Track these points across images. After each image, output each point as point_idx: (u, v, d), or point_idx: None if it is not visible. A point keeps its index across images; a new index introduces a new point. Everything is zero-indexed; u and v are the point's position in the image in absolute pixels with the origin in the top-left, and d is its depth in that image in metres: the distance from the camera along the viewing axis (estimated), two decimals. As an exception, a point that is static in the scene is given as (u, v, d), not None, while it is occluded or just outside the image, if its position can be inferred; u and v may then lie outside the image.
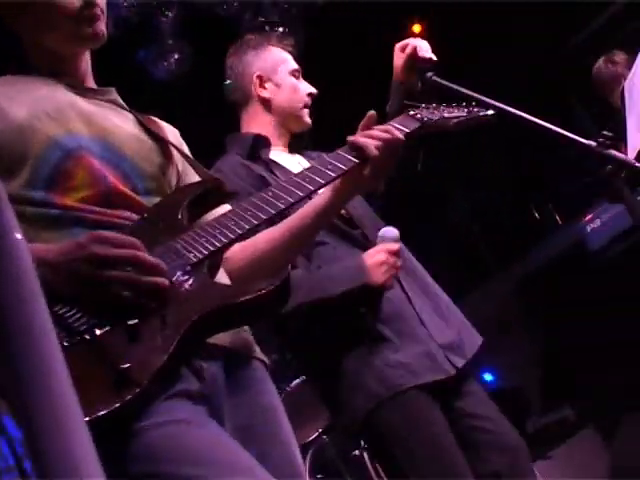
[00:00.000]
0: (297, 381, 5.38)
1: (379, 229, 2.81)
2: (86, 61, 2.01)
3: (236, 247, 1.90)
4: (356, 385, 2.56)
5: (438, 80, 2.55)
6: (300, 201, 1.83)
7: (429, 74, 2.57)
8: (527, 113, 2.34)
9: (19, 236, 1.04)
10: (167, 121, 2.47)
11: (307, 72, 3.08)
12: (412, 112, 2.25)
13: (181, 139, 2.15)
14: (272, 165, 2.80)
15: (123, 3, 5.56)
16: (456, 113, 2.39)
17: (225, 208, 1.88)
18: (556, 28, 7.24)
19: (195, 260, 1.62)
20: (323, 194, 1.99)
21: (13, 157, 1.73)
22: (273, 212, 1.76)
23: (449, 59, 6.61)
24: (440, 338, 2.64)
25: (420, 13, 7.22)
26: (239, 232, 1.70)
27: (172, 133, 2.12)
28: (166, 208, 1.78)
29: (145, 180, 1.86)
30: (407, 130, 2.12)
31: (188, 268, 1.61)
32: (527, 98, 7.36)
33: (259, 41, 3.03)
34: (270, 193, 1.80)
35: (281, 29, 5.95)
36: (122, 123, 1.94)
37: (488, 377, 7.70)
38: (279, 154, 2.90)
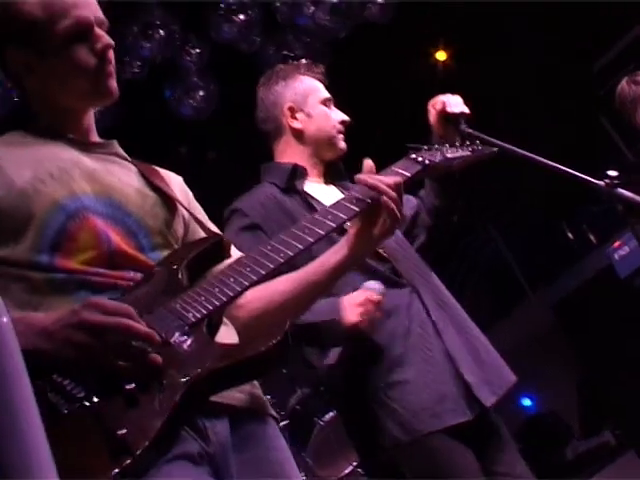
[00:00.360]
0: (331, 414, 5.37)
1: (414, 264, 2.81)
2: (90, 116, 2.03)
3: (250, 295, 1.89)
4: (376, 429, 2.55)
5: (471, 132, 2.60)
6: (300, 254, 1.81)
7: (462, 126, 2.63)
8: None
9: (5, 319, 1.09)
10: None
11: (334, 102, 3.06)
12: (414, 155, 2.22)
13: (186, 187, 2.16)
14: (307, 197, 2.80)
15: (146, 44, 5.64)
16: (459, 153, 2.37)
17: (227, 263, 1.89)
18: (586, 46, 7.20)
19: (194, 320, 1.62)
20: (337, 249, 1.98)
21: (18, 221, 1.75)
22: (272, 267, 1.75)
23: (476, 85, 6.62)
24: (470, 375, 2.61)
25: (445, 40, 7.22)
26: (238, 289, 1.70)
27: (176, 182, 2.13)
28: (166, 268, 1.78)
29: (150, 235, 1.87)
30: (408, 175, 2.09)
31: (187, 329, 1.61)
32: (557, 120, 7.35)
33: (289, 71, 3.03)
34: (269, 247, 1.80)
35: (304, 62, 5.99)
36: (126, 177, 1.95)
37: (526, 402, 7.64)
38: (314, 185, 2.90)
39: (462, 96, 2.75)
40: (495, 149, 2.42)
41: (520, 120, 7.01)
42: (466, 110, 2.70)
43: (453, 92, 2.78)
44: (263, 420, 1.82)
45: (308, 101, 2.95)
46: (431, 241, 2.98)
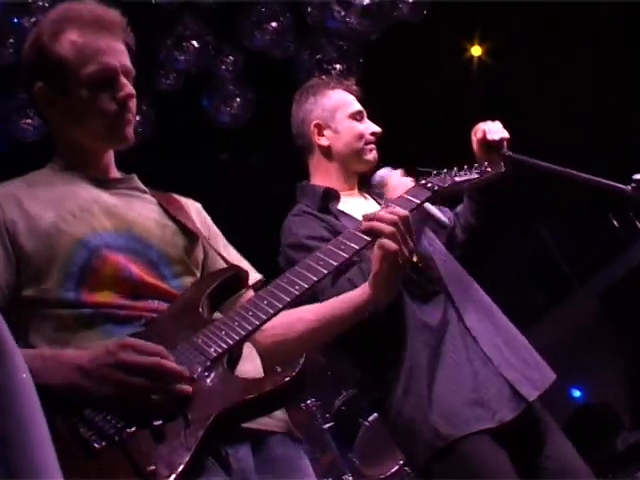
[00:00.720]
0: (375, 415, 5.43)
1: (451, 271, 2.86)
2: (109, 154, 2.13)
3: (274, 321, 1.92)
4: (413, 434, 2.61)
5: (512, 155, 2.74)
6: (314, 285, 1.88)
7: (503, 151, 2.76)
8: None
9: (25, 375, 1.17)
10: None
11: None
12: (423, 181, 2.30)
13: (204, 213, 2.26)
14: (340, 216, 2.84)
15: (180, 57, 5.72)
16: (468, 176, 2.44)
17: (247, 293, 2.00)
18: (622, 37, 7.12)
19: (215, 355, 1.70)
20: (362, 289, 2.05)
21: (43, 261, 1.85)
22: (288, 300, 1.82)
23: (510, 80, 6.56)
24: (511, 372, 2.65)
25: (480, 36, 7.18)
26: (257, 323, 1.77)
27: (195, 209, 2.23)
28: (188, 302, 1.87)
29: (171, 264, 1.97)
30: (418, 201, 2.18)
31: (208, 364, 1.68)
32: (600, 113, 7.28)
33: (318, 87, 3.07)
34: (285, 279, 1.87)
35: (339, 66, 6.04)
36: (145, 210, 2.05)
37: (576, 393, 7.61)
38: (348, 200, 2.94)
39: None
40: (502, 169, 2.48)
41: (559, 113, 6.97)
42: (506, 135, 2.78)
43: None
44: (285, 442, 1.88)
45: (336, 117, 2.98)
46: (463, 255, 3.01)
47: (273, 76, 6.55)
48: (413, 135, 6.49)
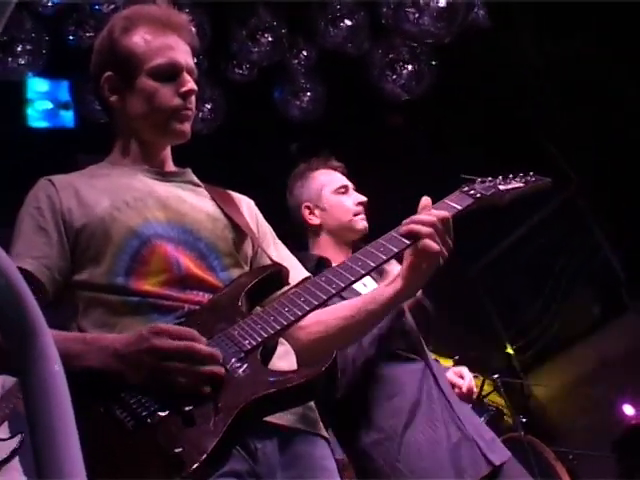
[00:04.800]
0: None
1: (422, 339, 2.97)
2: (167, 149, 2.22)
3: (312, 319, 2.00)
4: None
5: None
6: (351, 285, 1.92)
7: None
8: None
9: (57, 368, 1.20)
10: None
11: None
12: (466, 188, 2.27)
13: (256, 209, 2.32)
14: None
15: (253, 49, 5.81)
16: (512, 185, 2.38)
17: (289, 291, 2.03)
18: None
19: (249, 347, 1.76)
20: (392, 282, 2.06)
21: (97, 247, 1.94)
22: (324, 297, 1.87)
23: (582, 83, 6.47)
24: (479, 440, 2.70)
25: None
26: (292, 319, 1.82)
27: (247, 205, 2.30)
28: (228, 296, 1.93)
29: (221, 257, 2.04)
30: (459, 207, 2.15)
31: (242, 355, 1.74)
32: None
33: (304, 172, 3.25)
34: (324, 278, 1.92)
35: (410, 67, 6.09)
36: (198, 203, 2.13)
37: (629, 410, 7.52)
38: None
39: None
40: (549, 179, 2.45)
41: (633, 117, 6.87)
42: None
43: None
44: (313, 441, 1.92)
45: (322, 195, 3.17)
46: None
47: (345, 73, 6.60)
48: (482, 138, 6.47)
